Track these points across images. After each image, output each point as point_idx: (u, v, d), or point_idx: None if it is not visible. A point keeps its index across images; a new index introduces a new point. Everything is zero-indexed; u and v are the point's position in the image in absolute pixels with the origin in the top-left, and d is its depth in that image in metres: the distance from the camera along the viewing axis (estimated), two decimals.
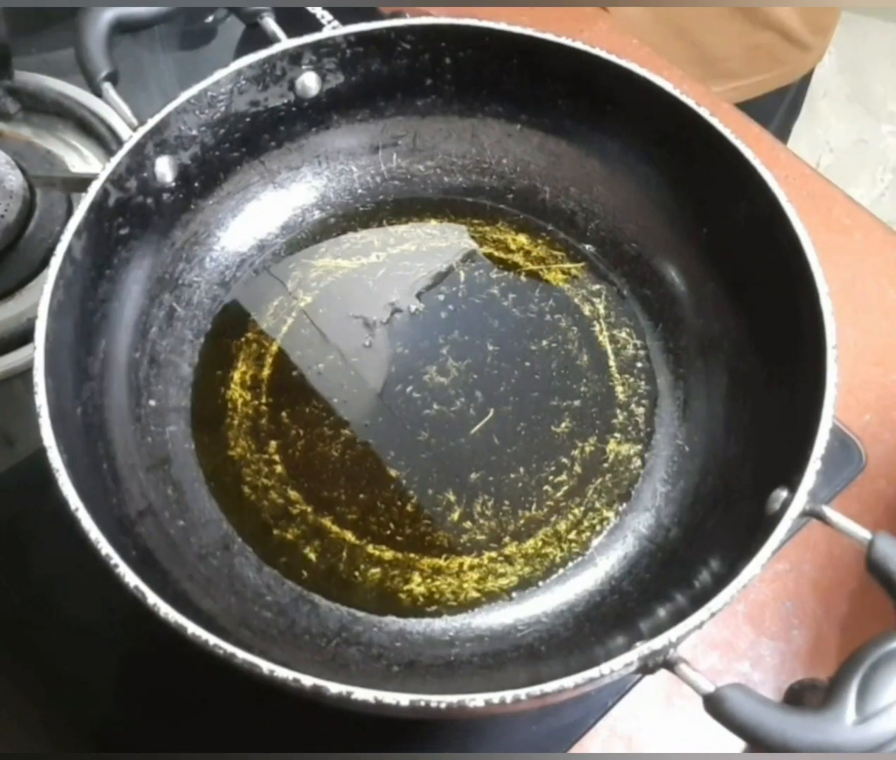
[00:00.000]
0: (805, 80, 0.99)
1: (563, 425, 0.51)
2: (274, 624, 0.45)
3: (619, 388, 0.53)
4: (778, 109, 0.97)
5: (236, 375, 0.53)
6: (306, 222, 0.58)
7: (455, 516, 0.49)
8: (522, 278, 0.56)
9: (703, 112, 0.50)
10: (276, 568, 0.47)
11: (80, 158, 0.65)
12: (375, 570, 0.47)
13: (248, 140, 0.56)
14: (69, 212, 0.61)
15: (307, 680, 0.35)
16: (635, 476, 0.50)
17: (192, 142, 0.53)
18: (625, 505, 0.49)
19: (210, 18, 0.73)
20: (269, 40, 0.54)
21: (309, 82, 0.55)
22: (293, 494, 0.49)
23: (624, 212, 0.57)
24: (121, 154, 0.49)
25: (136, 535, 0.45)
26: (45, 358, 0.42)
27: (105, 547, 0.38)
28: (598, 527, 0.48)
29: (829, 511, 0.39)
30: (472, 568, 0.47)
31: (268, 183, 0.58)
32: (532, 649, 0.45)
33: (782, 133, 1.00)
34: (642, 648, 0.36)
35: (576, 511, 0.49)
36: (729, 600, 0.37)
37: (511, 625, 0.46)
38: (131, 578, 0.37)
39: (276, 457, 0.50)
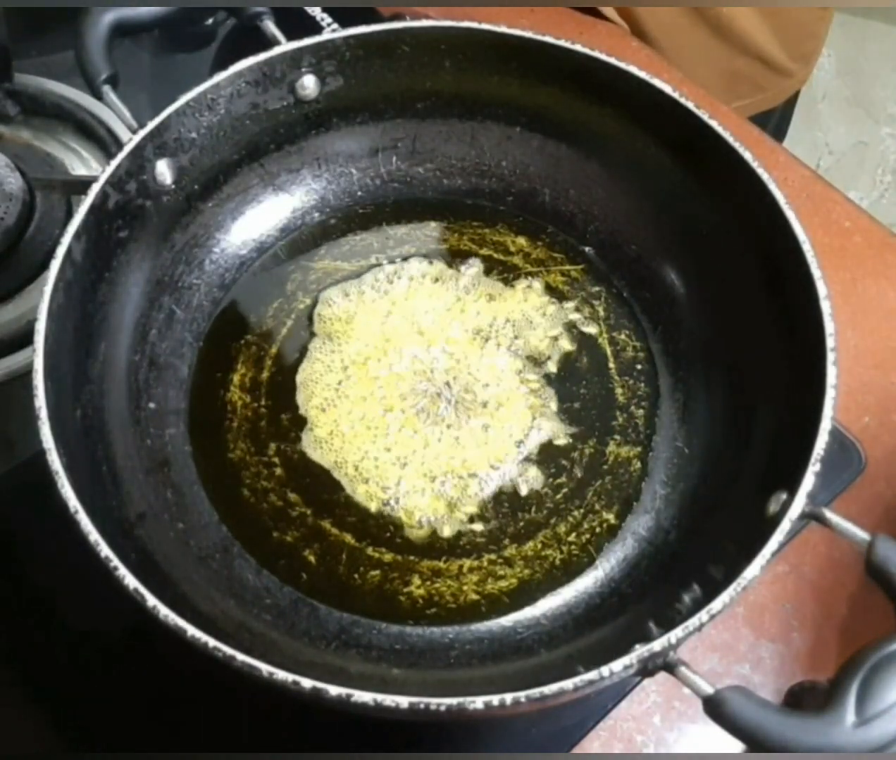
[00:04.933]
0: (789, 104, 0.98)
1: (562, 427, 0.51)
2: (273, 626, 0.45)
3: (619, 390, 0.53)
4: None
5: (236, 378, 0.53)
6: (306, 225, 0.58)
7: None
8: (522, 280, 0.56)
9: (703, 114, 0.50)
10: (275, 570, 0.47)
11: (80, 161, 0.66)
12: (375, 573, 0.47)
13: (247, 142, 0.56)
14: (69, 215, 0.61)
15: (307, 683, 0.35)
16: (635, 478, 0.50)
17: (191, 144, 0.53)
18: (624, 507, 0.49)
19: (210, 21, 0.73)
20: (269, 43, 0.54)
21: (308, 85, 0.55)
22: (293, 497, 0.49)
23: (623, 214, 0.57)
24: (120, 156, 0.49)
25: (136, 538, 0.45)
26: (44, 360, 0.42)
27: (104, 550, 0.38)
28: (597, 530, 0.48)
29: (828, 513, 0.39)
30: (471, 570, 0.47)
31: (267, 185, 0.58)
32: (532, 651, 0.45)
33: None
34: (642, 650, 0.36)
35: (575, 513, 0.49)
36: (728, 602, 0.37)
37: (510, 628, 0.46)
38: (131, 581, 0.37)
39: (276, 460, 0.50)
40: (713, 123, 0.50)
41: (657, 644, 0.36)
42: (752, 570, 0.38)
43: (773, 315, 0.49)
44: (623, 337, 0.55)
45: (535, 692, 0.35)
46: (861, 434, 0.56)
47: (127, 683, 0.48)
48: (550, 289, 0.56)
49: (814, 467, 0.40)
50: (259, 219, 0.58)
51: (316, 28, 0.71)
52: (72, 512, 0.39)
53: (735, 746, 0.36)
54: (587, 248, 0.57)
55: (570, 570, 0.47)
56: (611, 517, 0.49)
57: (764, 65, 0.89)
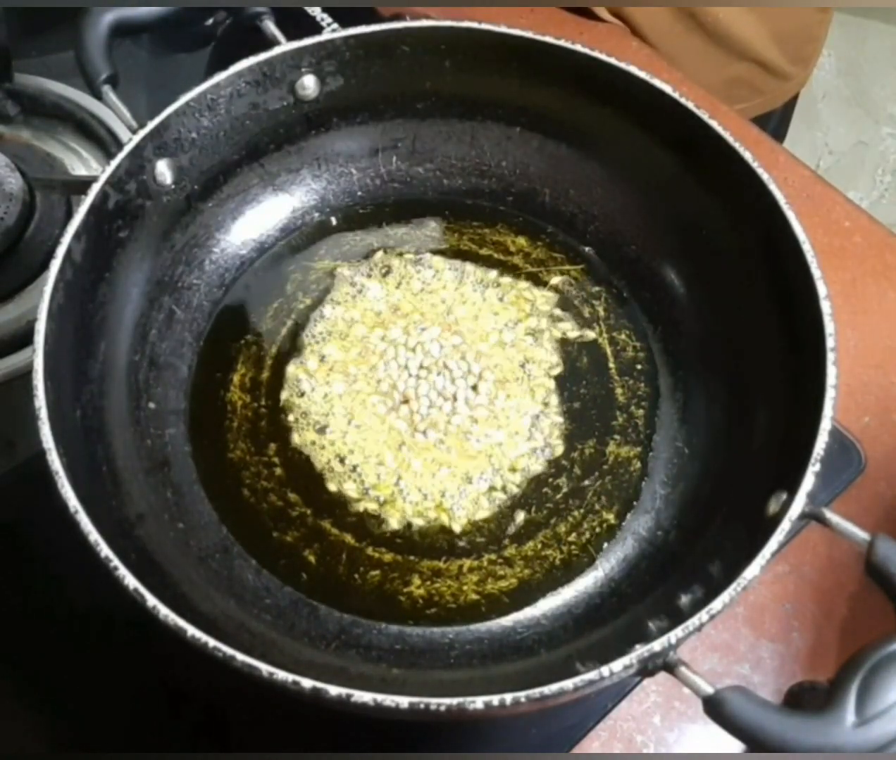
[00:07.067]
0: (789, 107, 0.97)
1: (562, 427, 0.51)
2: (273, 626, 0.45)
3: (619, 390, 0.53)
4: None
5: (236, 378, 0.53)
6: (306, 224, 0.58)
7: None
8: (522, 280, 0.56)
9: (703, 114, 0.50)
10: (275, 570, 0.47)
11: (80, 161, 0.66)
12: (375, 573, 0.47)
13: (247, 142, 0.56)
14: (69, 215, 0.61)
15: (307, 683, 0.35)
16: (635, 478, 0.50)
17: (191, 144, 0.53)
18: (624, 507, 0.49)
19: (210, 21, 0.73)
20: (269, 43, 0.54)
21: (308, 85, 0.55)
22: (292, 496, 0.49)
23: (623, 214, 0.57)
24: (120, 156, 0.49)
25: (136, 538, 0.45)
26: (44, 360, 0.42)
27: (104, 550, 0.38)
28: (597, 530, 0.48)
29: (828, 513, 0.39)
30: (471, 570, 0.47)
31: (267, 185, 0.58)
32: (532, 651, 0.45)
33: None
34: (642, 650, 0.36)
35: (575, 513, 0.49)
36: (728, 602, 0.37)
37: (510, 628, 0.46)
38: (131, 580, 0.37)
39: (276, 460, 0.50)
40: (713, 123, 0.50)
41: (657, 644, 0.36)
42: (752, 570, 0.38)
43: (772, 315, 0.49)
44: (623, 337, 0.55)
45: (535, 692, 0.35)
46: (861, 434, 0.56)
47: (126, 683, 0.48)
48: (550, 289, 0.56)
49: (814, 467, 0.40)
50: (259, 219, 0.58)
51: (316, 28, 0.71)
52: (72, 513, 0.39)
53: (735, 746, 0.36)
54: (587, 248, 0.57)
55: (570, 570, 0.47)
56: (611, 517, 0.49)
57: (762, 69, 0.88)
